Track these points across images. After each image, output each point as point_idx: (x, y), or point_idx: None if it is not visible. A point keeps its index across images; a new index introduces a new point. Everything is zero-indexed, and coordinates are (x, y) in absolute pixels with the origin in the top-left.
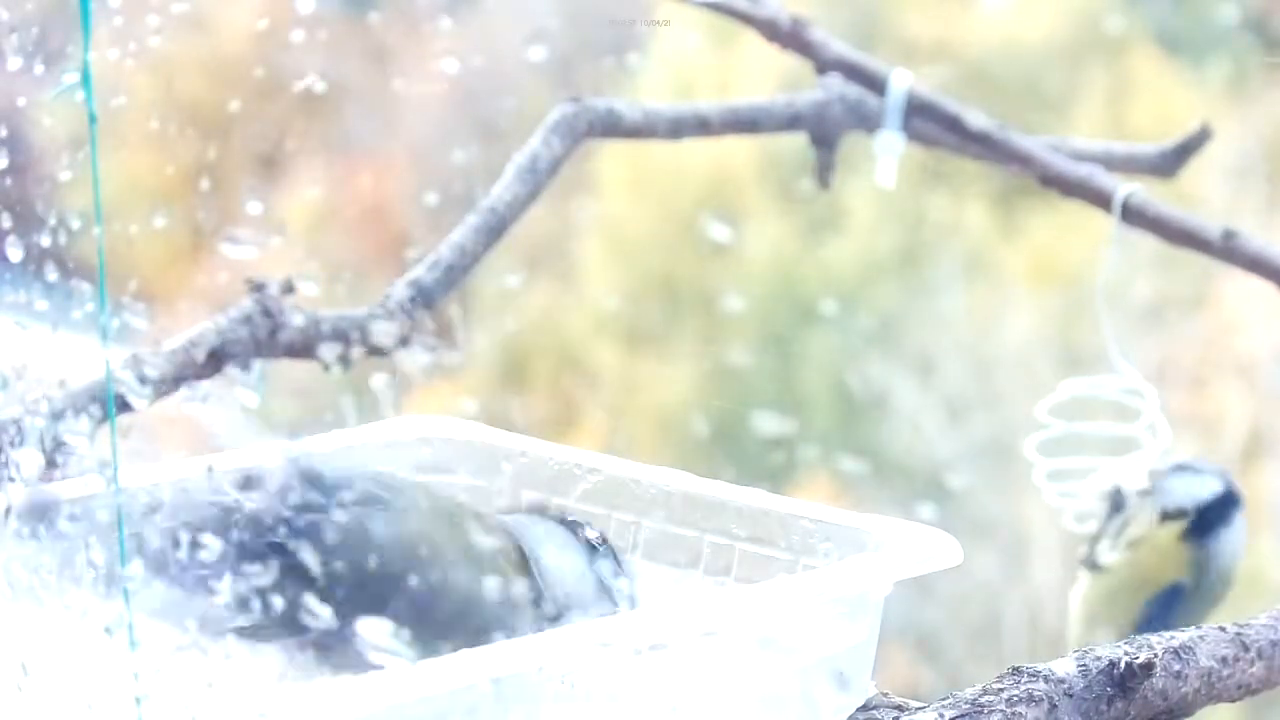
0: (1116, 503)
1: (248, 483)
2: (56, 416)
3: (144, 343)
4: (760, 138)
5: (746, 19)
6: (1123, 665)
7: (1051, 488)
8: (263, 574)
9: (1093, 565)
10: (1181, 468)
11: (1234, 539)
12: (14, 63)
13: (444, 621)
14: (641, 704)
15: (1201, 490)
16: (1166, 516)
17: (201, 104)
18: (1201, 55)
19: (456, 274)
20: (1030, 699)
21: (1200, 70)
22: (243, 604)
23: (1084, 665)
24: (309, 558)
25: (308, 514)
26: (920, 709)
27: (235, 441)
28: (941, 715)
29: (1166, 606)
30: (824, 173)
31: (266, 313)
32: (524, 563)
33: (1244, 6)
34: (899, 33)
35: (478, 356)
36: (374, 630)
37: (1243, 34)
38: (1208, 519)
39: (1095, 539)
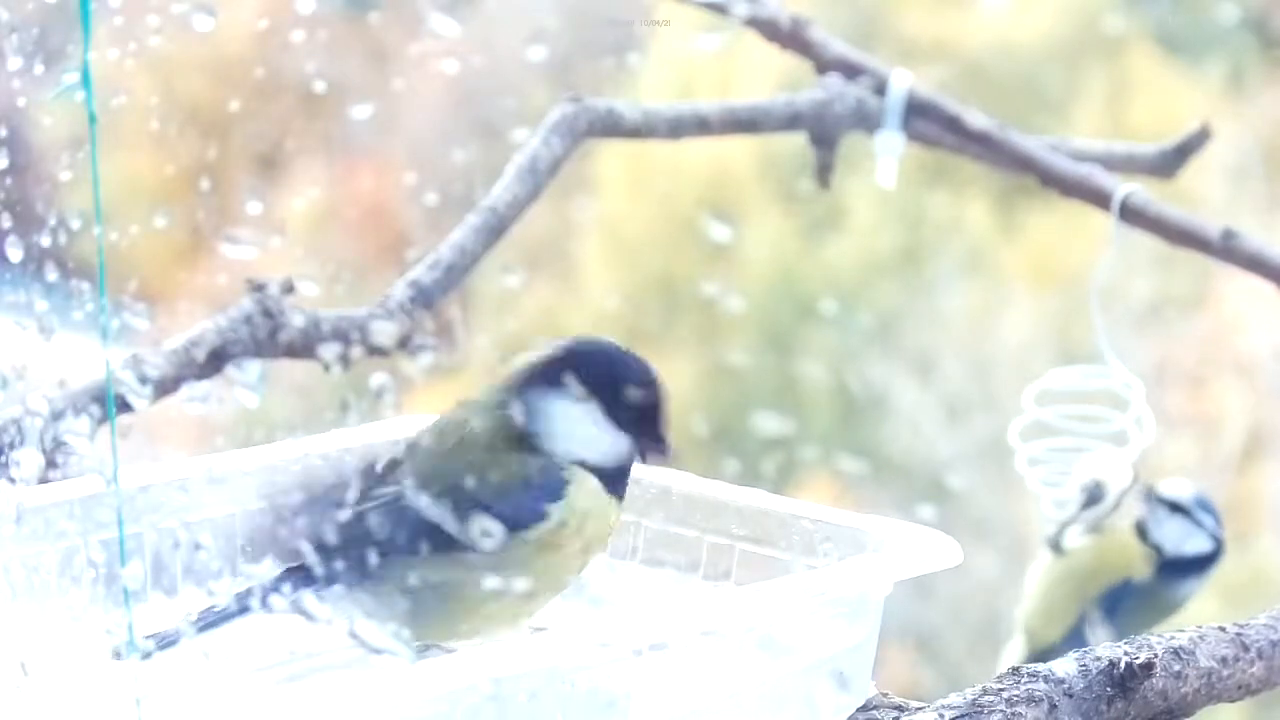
0: (1095, 495)
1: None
2: (56, 416)
3: (144, 343)
4: (760, 137)
5: (747, 19)
6: (1123, 665)
7: (1033, 474)
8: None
9: (1056, 546)
10: (1180, 512)
11: (1194, 587)
12: (14, 63)
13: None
14: (642, 704)
15: (1190, 546)
16: (1142, 535)
17: (201, 104)
18: (1201, 55)
19: (456, 274)
20: (1030, 699)
21: (1200, 70)
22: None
23: (1084, 665)
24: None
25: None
26: (920, 709)
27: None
28: (941, 715)
29: (1116, 600)
30: (824, 172)
31: (266, 313)
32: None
33: (1244, 6)
34: (898, 33)
35: (478, 356)
36: (372, 631)
37: (1242, 34)
38: (1180, 564)
39: (1065, 524)
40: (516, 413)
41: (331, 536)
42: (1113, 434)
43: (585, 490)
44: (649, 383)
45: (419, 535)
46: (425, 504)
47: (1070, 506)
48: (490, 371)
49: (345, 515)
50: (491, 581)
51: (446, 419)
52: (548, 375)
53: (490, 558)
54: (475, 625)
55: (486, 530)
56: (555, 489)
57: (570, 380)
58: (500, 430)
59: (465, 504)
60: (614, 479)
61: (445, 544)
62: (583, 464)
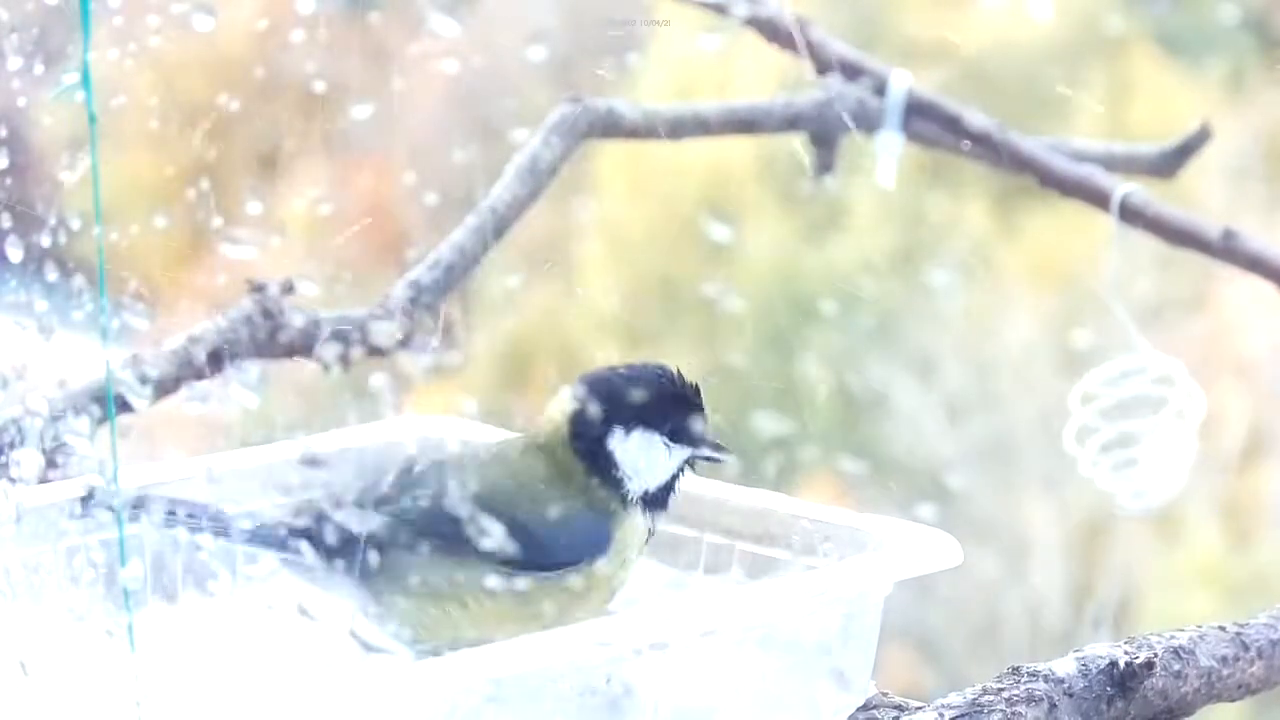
0: None
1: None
2: (56, 416)
3: (144, 343)
4: (760, 137)
5: (747, 19)
6: (1123, 665)
7: (1102, 472)
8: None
9: None
10: None
11: None
12: (14, 63)
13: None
14: (642, 704)
15: None
16: None
17: (201, 104)
18: (1201, 55)
19: (456, 274)
20: (1030, 698)
21: (1200, 70)
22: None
23: (1084, 665)
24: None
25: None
26: (920, 709)
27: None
28: (941, 715)
29: None
30: (823, 172)
31: (266, 313)
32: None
33: (1244, 6)
34: (898, 33)
35: (478, 356)
36: (372, 631)
37: (1243, 34)
38: None
39: None
40: (568, 456)
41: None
42: (1166, 416)
43: (625, 542)
44: (675, 385)
45: (449, 550)
46: (468, 520)
47: (1148, 496)
48: (489, 373)
49: (375, 515)
50: (512, 604)
51: (501, 450)
52: (586, 415)
53: (520, 593)
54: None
55: (522, 568)
56: (602, 542)
57: (609, 414)
58: (555, 472)
59: (514, 536)
60: (661, 498)
61: (478, 563)
62: (639, 493)
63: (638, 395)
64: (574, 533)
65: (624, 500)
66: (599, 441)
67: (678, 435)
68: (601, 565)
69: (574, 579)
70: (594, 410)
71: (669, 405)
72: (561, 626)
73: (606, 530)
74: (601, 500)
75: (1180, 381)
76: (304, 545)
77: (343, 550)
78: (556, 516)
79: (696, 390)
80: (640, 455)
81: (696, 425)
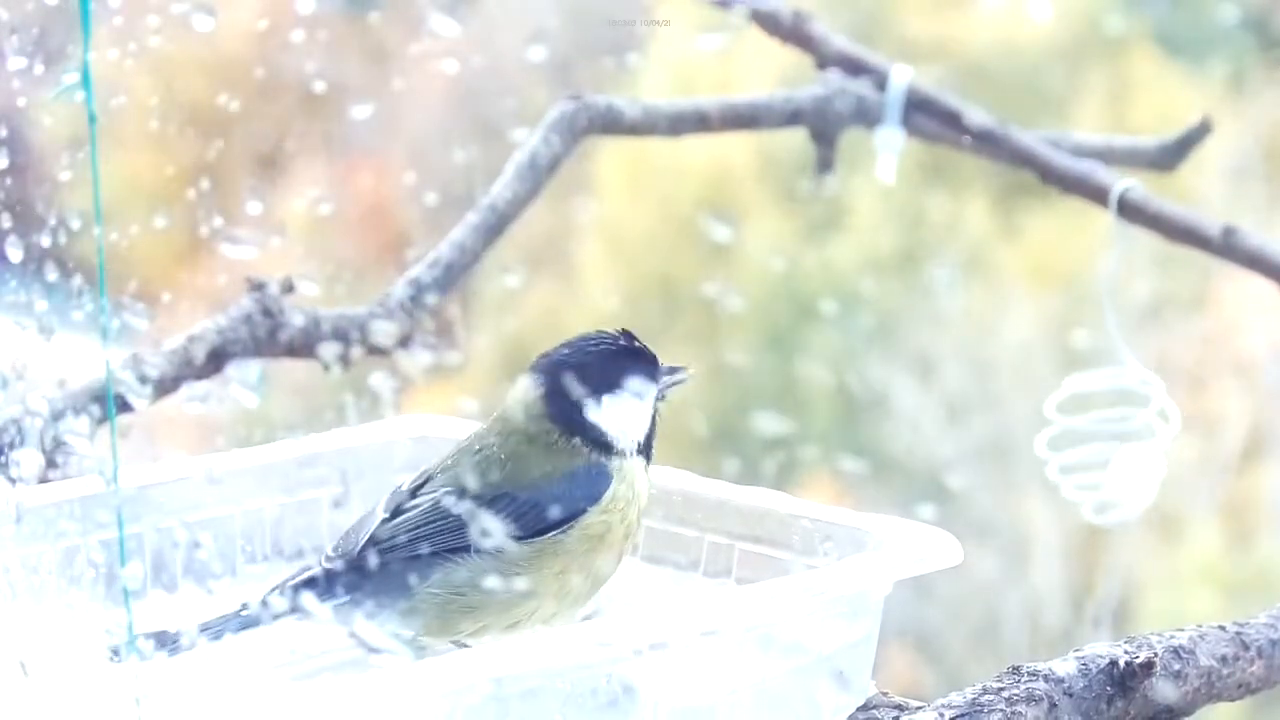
0: None
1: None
2: (56, 416)
3: (144, 343)
4: (760, 137)
5: (748, 13)
6: (1123, 665)
7: (1068, 482)
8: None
9: None
10: None
11: None
12: (14, 63)
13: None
14: (642, 703)
15: None
16: None
17: (201, 104)
18: (1201, 55)
19: (456, 272)
20: (1030, 698)
21: (1200, 70)
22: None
23: (1084, 665)
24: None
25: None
26: (920, 708)
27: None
28: (942, 714)
29: None
30: (824, 168)
31: (266, 312)
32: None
33: (1244, 6)
34: (899, 33)
35: (478, 356)
36: (372, 631)
37: (1243, 34)
38: None
39: None
40: (548, 429)
41: (370, 555)
42: (1139, 431)
43: (626, 477)
44: (620, 345)
45: (462, 538)
46: (467, 508)
47: (1113, 510)
48: (489, 373)
49: (383, 530)
50: (526, 580)
51: (468, 448)
52: (557, 398)
53: (535, 553)
54: (518, 621)
55: (533, 526)
56: (598, 488)
57: (576, 392)
58: (541, 442)
59: (521, 504)
60: (648, 443)
61: (490, 542)
62: (632, 449)
63: (595, 367)
64: (569, 487)
65: (617, 455)
66: (579, 416)
67: (641, 385)
68: (604, 507)
69: (585, 524)
70: (562, 392)
71: (625, 364)
72: (591, 578)
73: (598, 478)
74: (593, 458)
75: (1157, 398)
76: (307, 597)
77: (341, 587)
78: (547, 480)
79: (634, 337)
80: (619, 416)
81: (652, 368)
